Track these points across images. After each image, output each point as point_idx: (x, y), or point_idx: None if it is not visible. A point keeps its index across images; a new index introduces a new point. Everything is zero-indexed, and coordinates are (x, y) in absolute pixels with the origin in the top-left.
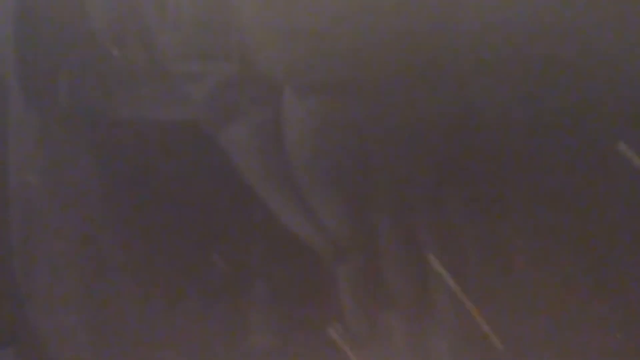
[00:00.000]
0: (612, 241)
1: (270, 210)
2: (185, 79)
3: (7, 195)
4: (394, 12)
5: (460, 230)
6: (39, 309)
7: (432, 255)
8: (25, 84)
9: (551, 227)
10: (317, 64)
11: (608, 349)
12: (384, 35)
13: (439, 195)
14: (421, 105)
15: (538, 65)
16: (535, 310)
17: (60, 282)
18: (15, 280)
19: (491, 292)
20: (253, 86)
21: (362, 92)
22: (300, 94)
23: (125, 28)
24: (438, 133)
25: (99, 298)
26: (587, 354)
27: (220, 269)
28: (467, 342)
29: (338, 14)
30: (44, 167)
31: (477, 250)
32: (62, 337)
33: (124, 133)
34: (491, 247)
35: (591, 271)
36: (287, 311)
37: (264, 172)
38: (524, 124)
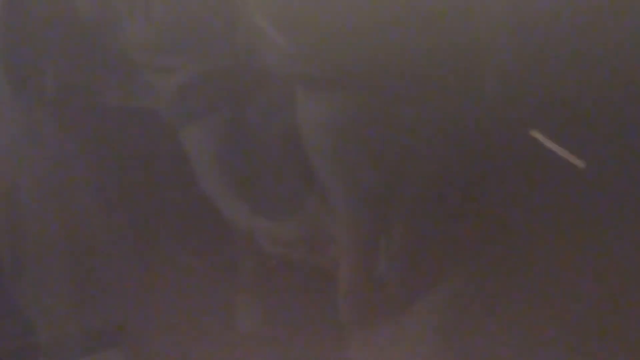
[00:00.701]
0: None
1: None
2: (156, 71)
3: None
4: (405, 6)
5: (470, 227)
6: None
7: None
8: (11, 74)
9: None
10: (327, 58)
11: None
12: (394, 29)
13: (449, 192)
14: (433, 101)
15: (552, 64)
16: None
17: (49, 271)
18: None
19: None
20: (230, 81)
21: (370, 87)
22: (309, 88)
23: (111, 17)
24: (450, 129)
25: (88, 288)
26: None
27: (207, 259)
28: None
29: (348, 6)
30: (32, 158)
31: (485, 247)
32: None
33: (112, 121)
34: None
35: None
36: (279, 301)
37: (226, 171)
38: (538, 122)
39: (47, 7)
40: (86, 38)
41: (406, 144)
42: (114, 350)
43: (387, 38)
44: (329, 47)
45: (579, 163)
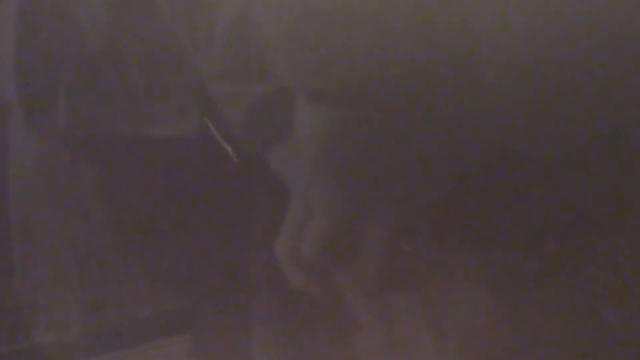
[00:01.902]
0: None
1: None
2: (222, 98)
3: (8, 214)
4: (408, 20)
5: (466, 245)
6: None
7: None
8: (25, 104)
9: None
10: (331, 71)
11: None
12: (398, 43)
13: (448, 208)
14: (435, 114)
15: (555, 71)
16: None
17: (62, 302)
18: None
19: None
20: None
21: (374, 100)
22: (312, 100)
23: (126, 47)
24: (452, 142)
25: (100, 313)
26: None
27: (228, 290)
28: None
29: (352, 20)
30: (44, 187)
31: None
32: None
33: (126, 151)
34: (496, 261)
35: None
36: (290, 328)
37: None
38: (542, 132)
39: (59, 40)
40: (98, 71)
41: (403, 158)
42: (180, 336)
43: (390, 55)
44: (334, 62)
45: (234, 156)
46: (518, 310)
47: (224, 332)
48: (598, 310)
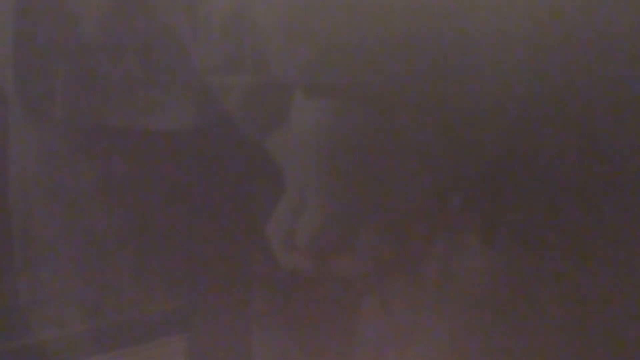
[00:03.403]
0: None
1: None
2: (220, 90)
3: (7, 206)
4: (405, 15)
5: (463, 241)
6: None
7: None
8: (23, 96)
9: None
10: (328, 66)
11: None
12: (395, 38)
13: (446, 204)
14: (432, 110)
15: (553, 69)
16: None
17: (61, 290)
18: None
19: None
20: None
21: (371, 95)
22: (309, 95)
23: (123, 40)
24: (449, 138)
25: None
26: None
27: (224, 283)
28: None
29: (349, 15)
30: (43, 178)
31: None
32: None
33: (122, 142)
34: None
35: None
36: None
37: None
38: (539, 129)
39: (56, 34)
40: (92, 62)
41: (403, 152)
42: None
43: (389, 49)
44: (330, 54)
45: None
46: (518, 309)
47: (222, 331)
48: (600, 307)
